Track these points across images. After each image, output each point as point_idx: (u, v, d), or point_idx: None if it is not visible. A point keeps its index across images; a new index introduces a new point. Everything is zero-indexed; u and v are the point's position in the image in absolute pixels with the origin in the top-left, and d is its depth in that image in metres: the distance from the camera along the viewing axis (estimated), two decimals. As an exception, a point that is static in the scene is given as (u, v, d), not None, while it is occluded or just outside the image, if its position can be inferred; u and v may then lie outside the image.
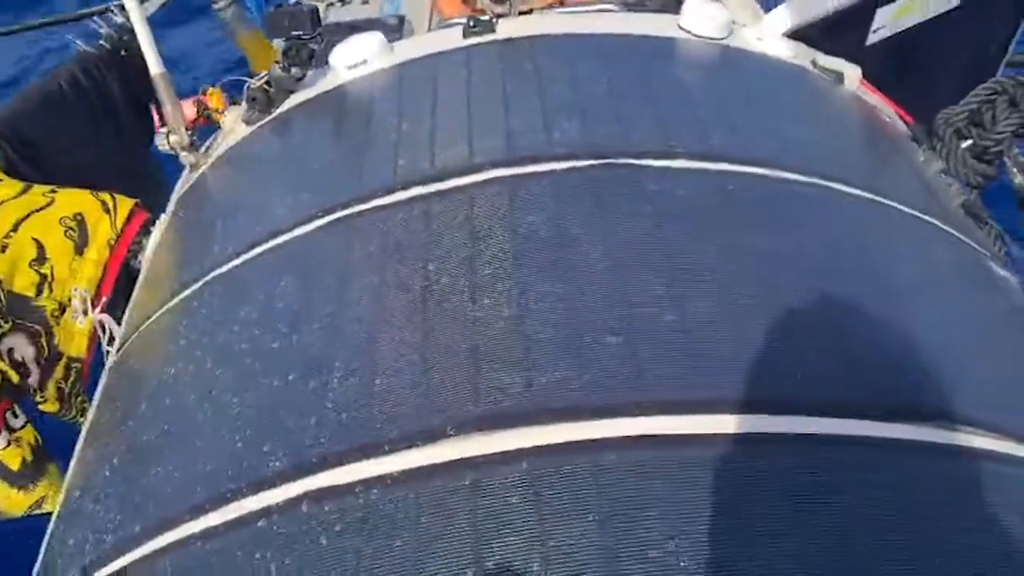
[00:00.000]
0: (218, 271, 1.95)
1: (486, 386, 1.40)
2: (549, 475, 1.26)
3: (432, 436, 1.36)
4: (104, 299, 2.49)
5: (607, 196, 1.74)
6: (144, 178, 3.27)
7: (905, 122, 2.50)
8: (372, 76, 2.37)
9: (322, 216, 1.90)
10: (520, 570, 1.17)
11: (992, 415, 1.42)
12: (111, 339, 2.35)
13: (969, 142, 2.47)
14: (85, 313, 2.48)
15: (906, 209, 1.93)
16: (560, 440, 1.31)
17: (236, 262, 1.94)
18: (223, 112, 2.61)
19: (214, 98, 2.66)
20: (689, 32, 2.36)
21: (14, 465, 2.42)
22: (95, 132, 3.06)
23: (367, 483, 1.33)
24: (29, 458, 2.44)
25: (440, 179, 1.87)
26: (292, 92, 2.46)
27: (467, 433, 1.35)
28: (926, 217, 1.96)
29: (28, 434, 2.46)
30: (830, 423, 1.35)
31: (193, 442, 1.58)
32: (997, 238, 2.26)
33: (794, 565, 1.15)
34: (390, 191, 1.88)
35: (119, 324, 2.37)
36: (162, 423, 1.67)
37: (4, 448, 2.39)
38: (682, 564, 1.15)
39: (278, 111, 2.45)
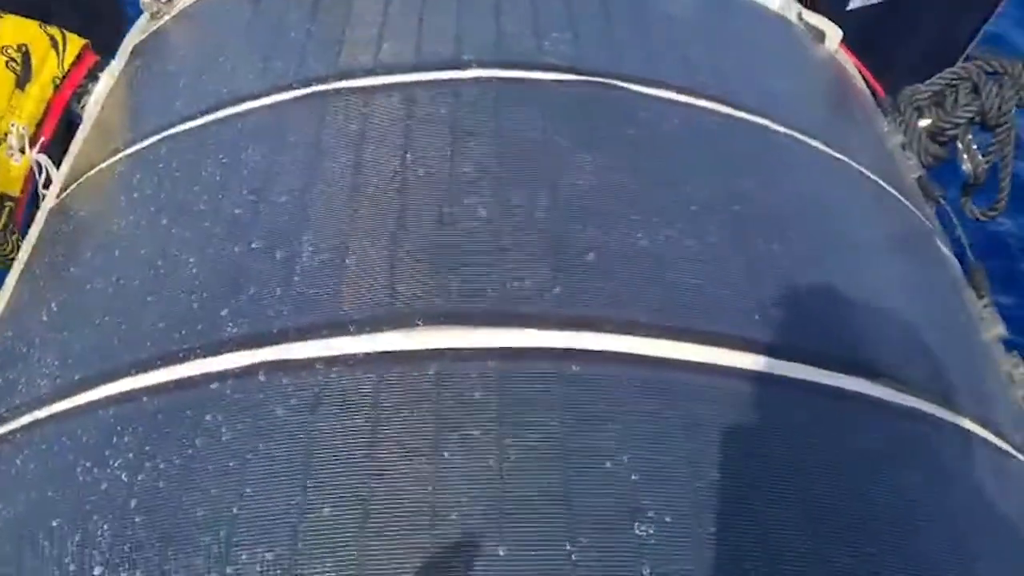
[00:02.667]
0: (180, 127, 1.87)
1: (458, 284, 1.40)
2: (514, 376, 1.28)
3: (400, 323, 1.35)
4: (43, 139, 2.36)
5: (595, 114, 1.73)
6: (103, 18, 3.08)
7: (874, 92, 2.55)
8: None
9: (297, 87, 1.84)
10: (476, 465, 1.19)
11: (931, 380, 1.51)
12: (48, 181, 2.24)
13: (928, 121, 2.55)
14: (22, 151, 2.35)
15: (870, 174, 1.98)
16: (528, 345, 1.32)
17: (200, 121, 1.87)
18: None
19: None
20: None
21: None
22: None
23: (328, 361, 1.32)
24: None
25: (424, 69, 1.82)
26: (272, -47, 2.33)
27: (436, 325, 1.35)
28: (886, 185, 2.02)
29: None
30: (783, 365, 1.40)
31: (144, 297, 1.53)
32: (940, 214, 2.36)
33: (740, 488, 1.20)
34: (371, 73, 1.82)
35: (56, 167, 2.26)
36: (110, 274, 1.62)
37: None
38: (633, 478, 1.19)
39: (254, -29, 2.33)
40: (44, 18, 2.49)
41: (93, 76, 2.47)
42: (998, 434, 1.55)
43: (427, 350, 1.32)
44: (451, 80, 1.78)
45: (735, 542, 1.15)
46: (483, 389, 1.26)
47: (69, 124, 2.42)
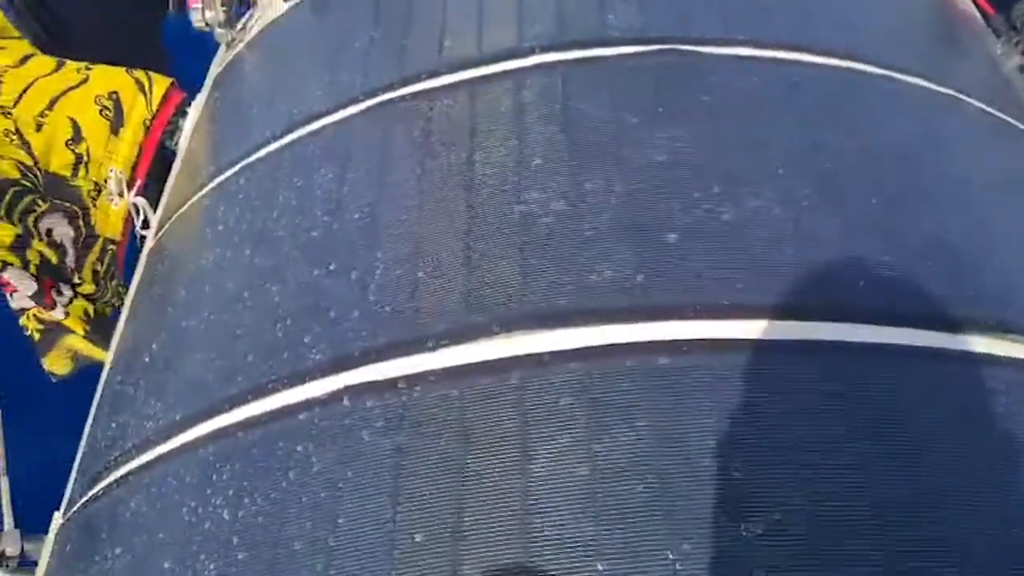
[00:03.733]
0: (255, 155, 1.89)
1: (535, 284, 1.35)
2: (598, 377, 1.22)
3: (478, 333, 1.31)
4: (139, 182, 2.45)
5: (665, 85, 1.63)
6: (157, 52, 3.18)
7: (984, 12, 2.32)
8: None
9: (363, 100, 1.82)
10: (568, 474, 1.14)
11: None
12: (145, 223, 2.31)
13: (1051, 35, 2.31)
14: (120, 195, 2.44)
15: (982, 105, 1.81)
16: (611, 341, 1.26)
17: (273, 146, 1.88)
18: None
19: None
20: None
21: (79, 330, 2.60)
22: (119, 7, 2.97)
23: (410, 379, 1.30)
24: (88, 326, 2.57)
25: (487, 63, 1.77)
26: (332, -33, 2.33)
27: (514, 331, 1.30)
28: (1002, 115, 1.84)
29: (78, 307, 2.53)
30: (888, 332, 1.29)
31: (233, 331, 1.55)
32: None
33: (842, 480, 1.11)
34: (434, 74, 1.78)
35: (154, 208, 2.33)
36: (202, 310, 1.65)
37: (65, 318, 2.57)
38: (735, 475, 1.11)
39: (317, -14, 2.33)
40: (130, 64, 2.58)
41: (182, 112, 2.54)
42: None
43: (508, 358, 1.28)
44: (514, 71, 1.72)
45: (854, 535, 1.06)
46: (568, 394, 1.21)
47: (167, 163, 2.49)
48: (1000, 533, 1.10)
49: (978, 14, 2.33)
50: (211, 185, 1.95)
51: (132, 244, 2.43)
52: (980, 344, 1.31)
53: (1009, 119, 1.83)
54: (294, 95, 2.02)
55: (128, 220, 2.40)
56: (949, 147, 1.67)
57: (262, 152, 1.89)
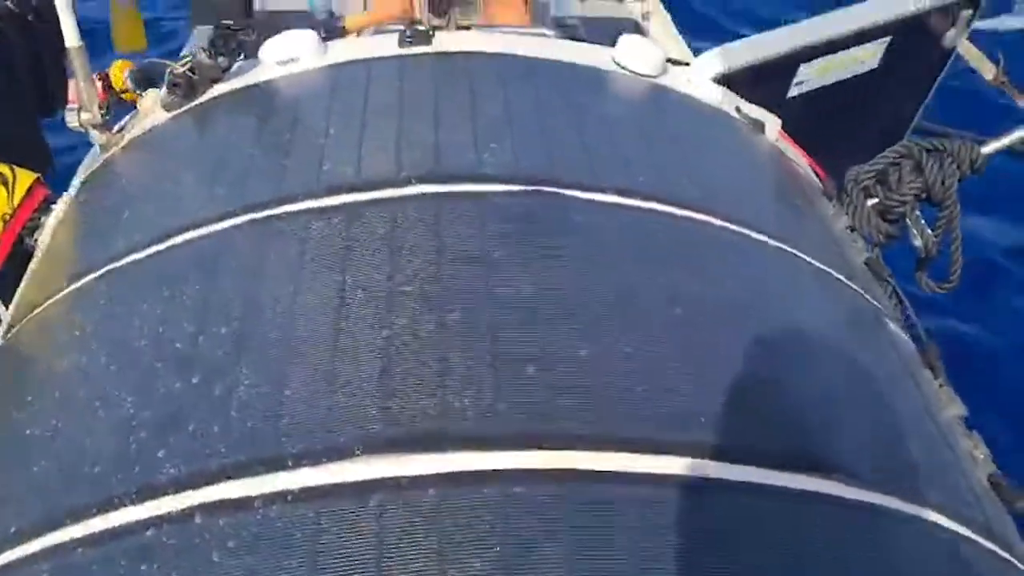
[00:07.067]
0: (122, 261, 1.87)
1: (398, 407, 1.38)
2: (455, 504, 1.25)
3: (339, 454, 1.32)
4: (-9, 277, 2.36)
5: (533, 223, 1.74)
6: (34, 149, 3.12)
7: (818, 176, 2.59)
8: (303, 75, 2.31)
9: (239, 215, 1.84)
10: None
11: (887, 471, 1.49)
12: (-4, 319, 2.22)
13: (875, 200, 2.58)
14: (-31, 290, 2.34)
15: (815, 261, 2.00)
16: (471, 468, 1.30)
17: (142, 254, 1.86)
18: (137, 93, 2.51)
19: (116, 75, 2.54)
20: (623, 67, 2.39)
21: None
22: None
23: (267, 498, 1.29)
24: None
25: (364, 189, 1.84)
26: (216, 81, 2.38)
27: (375, 454, 1.32)
28: (832, 271, 2.03)
29: None
30: (731, 469, 1.38)
31: (82, 440, 1.50)
32: (893, 295, 2.37)
33: None
34: (312, 196, 1.84)
35: (6, 306, 2.24)
36: (49, 418, 1.58)
37: None
38: None
39: (200, 99, 2.37)
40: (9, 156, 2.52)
41: (46, 209, 2.48)
42: (959, 519, 1.52)
43: (367, 481, 1.29)
44: (390, 199, 1.80)
45: None
46: (424, 520, 1.23)
47: (24, 259, 2.41)
48: None
49: (815, 177, 2.60)
50: (71, 287, 1.90)
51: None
52: (801, 482, 1.42)
53: (835, 273, 2.02)
54: (168, 203, 2.02)
55: (-25, 317, 2.29)
56: (784, 297, 1.84)
57: (130, 258, 1.87)
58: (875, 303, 2.07)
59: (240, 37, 2.36)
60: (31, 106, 3.11)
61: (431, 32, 2.37)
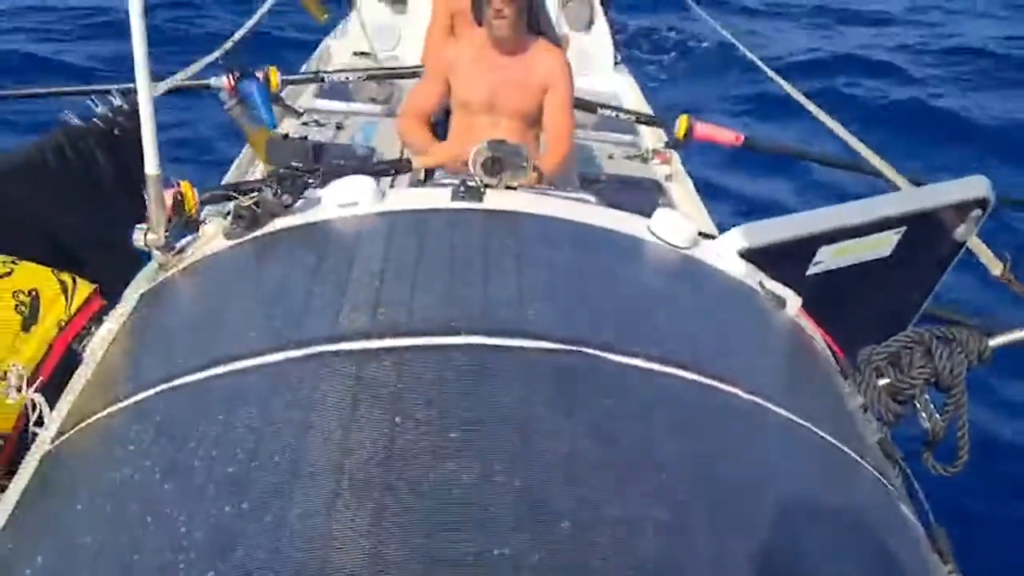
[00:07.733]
0: (179, 381, 1.97)
1: (441, 551, 1.46)
2: None
3: None
4: (41, 379, 2.46)
5: (572, 382, 1.85)
6: (122, 253, 3.29)
7: (835, 354, 2.72)
8: (361, 219, 2.48)
9: (295, 348, 1.96)
10: None
11: None
12: (39, 420, 2.31)
13: (887, 381, 2.71)
14: (19, 389, 2.44)
15: (832, 440, 2.10)
16: None
17: (199, 376, 1.97)
18: (202, 220, 2.68)
19: (188, 195, 2.72)
20: (659, 237, 2.56)
21: None
22: (76, 204, 3.09)
23: None
24: None
25: (416, 335, 1.96)
26: (278, 216, 2.55)
27: None
28: (847, 449, 2.13)
29: None
30: None
31: (131, 555, 1.56)
32: (902, 476, 2.46)
33: None
34: (367, 336, 1.96)
35: (50, 407, 2.33)
36: (99, 528, 1.66)
37: None
38: None
39: (261, 231, 2.53)
40: (66, 256, 2.67)
41: (98, 319, 2.61)
42: None
43: None
44: (441, 346, 1.92)
45: None
46: None
47: (69, 367, 2.52)
48: None
49: (831, 355, 2.73)
50: (126, 402, 2.00)
51: (21, 441, 2.40)
52: None
53: (849, 451, 2.12)
54: (225, 331, 2.14)
55: (21, 416, 2.38)
56: (798, 475, 1.93)
57: (186, 379, 1.97)
58: (887, 483, 2.16)
59: (306, 179, 2.54)
60: (122, 214, 3.27)
61: (482, 190, 2.55)
